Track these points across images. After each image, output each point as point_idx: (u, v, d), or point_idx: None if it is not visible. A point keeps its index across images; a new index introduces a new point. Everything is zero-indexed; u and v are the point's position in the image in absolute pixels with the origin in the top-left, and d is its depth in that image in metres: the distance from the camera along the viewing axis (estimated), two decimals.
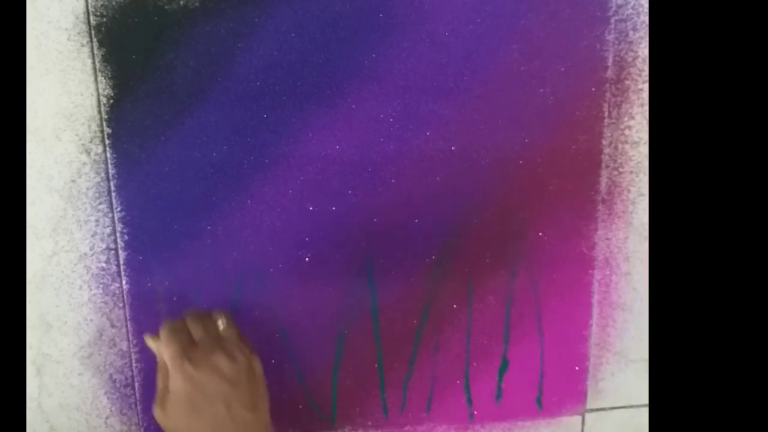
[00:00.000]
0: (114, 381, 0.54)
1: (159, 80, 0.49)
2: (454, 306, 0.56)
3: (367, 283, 0.54)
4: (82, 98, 0.49)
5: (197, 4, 0.48)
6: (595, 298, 0.57)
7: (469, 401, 0.58)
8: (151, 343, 0.49)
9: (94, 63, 0.49)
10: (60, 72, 0.48)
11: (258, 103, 0.50)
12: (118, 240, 0.52)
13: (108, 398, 0.55)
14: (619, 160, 0.54)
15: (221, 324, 0.49)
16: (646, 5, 0.51)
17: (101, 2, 0.47)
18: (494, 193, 0.54)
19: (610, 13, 0.51)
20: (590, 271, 0.56)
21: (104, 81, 0.49)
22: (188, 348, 0.46)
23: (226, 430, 0.45)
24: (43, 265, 0.52)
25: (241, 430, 0.45)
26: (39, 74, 0.48)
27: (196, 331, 0.48)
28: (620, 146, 0.54)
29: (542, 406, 0.59)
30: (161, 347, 0.47)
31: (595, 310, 0.57)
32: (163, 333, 0.48)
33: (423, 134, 0.52)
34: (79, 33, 0.48)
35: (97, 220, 0.51)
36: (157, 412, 0.46)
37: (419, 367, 0.56)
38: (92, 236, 0.51)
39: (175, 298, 0.53)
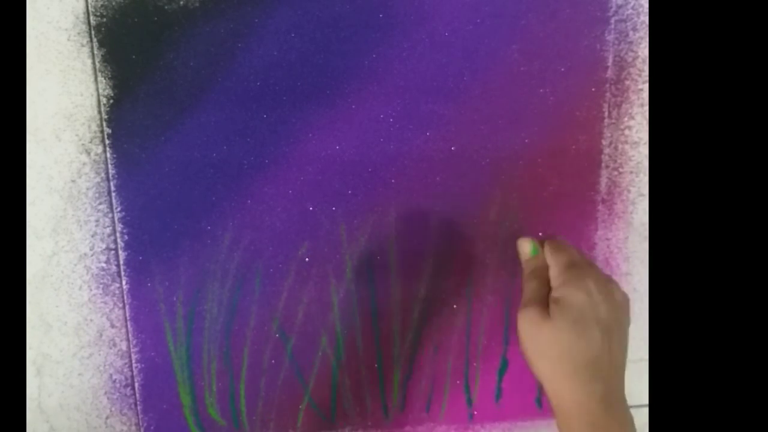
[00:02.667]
0: (114, 381, 0.55)
1: (159, 80, 0.49)
2: (454, 306, 0.56)
3: (367, 283, 0.54)
4: (82, 98, 0.49)
5: (197, 5, 0.48)
6: None
7: (469, 401, 0.58)
8: (527, 245, 0.47)
9: (94, 63, 0.49)
10: (60, 72, 0.48)
11: (258, 103, 0.50)
12: (118, 240, 0.52)
13: (108, 398, 0.55)
14: (618, 161, 0.54)
15: None
16: (646, 5, 0.51)
17: (101, 2, 0.47)
18: (494, 193, 0.54)
19: (610, 14, 0.51)
20: None
21: (104, 81, 0.49)
22: (585, 265, 0.44)
23: (602, 366, 0.41)
24: (43, 266, 0.52)
25: (614, 375, 0.42)
26: (39, 74, 0.48)
27: (584, 256, 0.46)
28: (620, 146, 0.54)
29: (542, 406, 0.59)
30: (554, 252, 0.45)
31: None
32: (551, 244, 0.46)
33: (423, 134, 0.52)
34: (79, 33, 0.48)
35: (97, 221, 0.51)
36: (534, 315, 0.42)
37: (419, 367, 0.57)
38: (92, 236, 0.51)
39: (174, 298, 0.53)
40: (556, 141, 0.53)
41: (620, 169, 0.55)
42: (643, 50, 0.52)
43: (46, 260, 0.52)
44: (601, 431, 0.40)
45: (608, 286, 0.43)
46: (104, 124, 0.50)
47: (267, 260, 0.53)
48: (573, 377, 0.41)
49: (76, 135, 0.50)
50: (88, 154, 0.50)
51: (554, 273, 0.44)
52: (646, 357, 0.59)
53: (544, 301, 0.43)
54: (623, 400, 0.42)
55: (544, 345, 0.42)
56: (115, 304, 0.53)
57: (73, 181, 0.50)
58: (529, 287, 0.45)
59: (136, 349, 0.54)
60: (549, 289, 0.44)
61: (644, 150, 0.54)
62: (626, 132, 0.54)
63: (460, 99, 0.52)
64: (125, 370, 0.54)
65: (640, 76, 0.53)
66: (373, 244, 0.54)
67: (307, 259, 0.53)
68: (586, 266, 0.44)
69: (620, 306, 0.43)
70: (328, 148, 0.52)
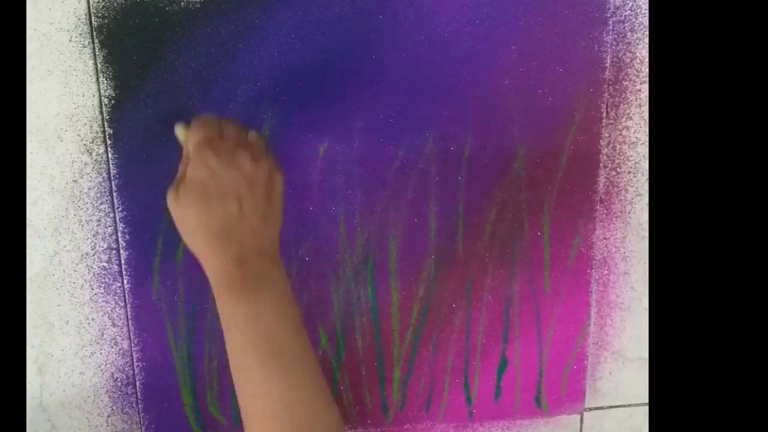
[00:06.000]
0: (115, 380, 0.55)
1: (160, 81, 0.49)
2: (453, 305, 0.56)
3: (367, 283, 0.55)
4: (84, 99, 0.49)
5: (198, 6, 0.48)
6: (594, 298, 0.57)
7: (468, 400, 0.58)
8: (180, 132, 0.48)
9: (95, 64, 0.49)
10: (62, 73, 0.49)
11: (258, 104, 0.50)
12: (120, 239, 0.52)
13: (109, 397, 0.55)
14: (617, 161, 0.55)
15: (252, 135, 0.48)
16: (644, 7, 0.52)
17: (103, 3, 0.48)
18: (493, 193, 0.54)
19: (608, 15, 0.52)
20: (588, 271, 0.57)
21: (106, 82, 0.49)
22: (214, 139, 0.45)
23: (233, 230, 0.43)
24: (45, 265, 0.52)
25: (249, 236, 0.44)
26: (41, 75, 0.48)
27: (227, 128, 0.47)
28: (618, 146, 0.54)
29: (541, 404, 0.59)
30: (189, 134, 0.46)
31: (594, 310, 0.58)
32: (194, 121, 0.47)
33: (422, 134, 0.52)
34: (80, 34, 0.48)
35: (98, 220, 0.51)
36: (170, 198, 0.45)
37: (418, 366, 0.57)
38: (94, 236, 0.52)
39: (176, 297, 0.53)
40: (555, 141, 0.53)
41: (618, 169, 0.55)
42: (641, 51, 0.53)
43: (48, 259, 0.52)
44: (237, 285, 0.43)
45: (234, 156, 0.44)
46: (106, 124, 0.50)
47: None
48: (209, 244, 0.44)
49: (78, 135, 0.50)
50: (90, 154, 0.50)
51: (187, 153, 0.46)
52: (644, 356, 0.59)
53: (180, 182, 0.45)
54: (265, 255, 0.44)
55: (181, 222, 0.45)
56: (116, 303, 0.53)
57: (74, 181, 0.51)
58: (178, 171, 0.47)
59: (137, 348, 0.54)
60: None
61: (642, 150, 0.55)
62: (624, 132, 0.54)
63: (459, 99, 0.52)
64: (126, 368, 0.55)
65: (638, 76, 0.53)
66: (373, 244, 0.54)
67: (307, 258, 0.54)
68: (212, 141, 0.45)
69: (249, 173, 0.44)
70: (328, 148, 0.52)
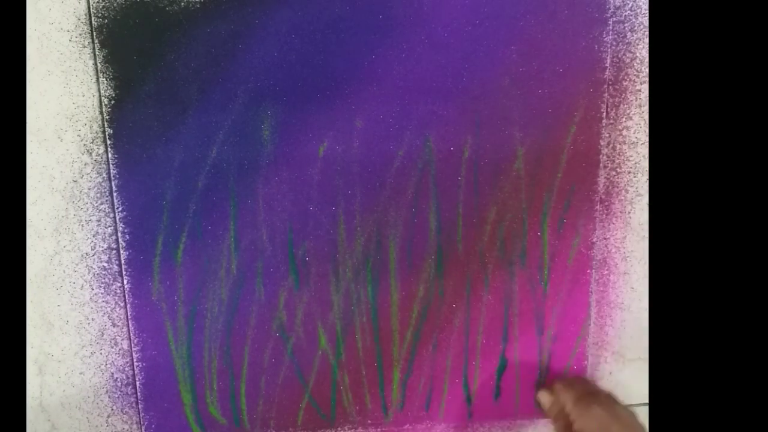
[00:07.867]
0: (115, 380, 0.55)
1: (160, 81, 0.49)
2: (453, 305, 0.56)
3: (367, 283, 0.55)
4: (84, 99, 0.49)
5: (198, 6, 0.48)
6: (593, 298, 0.57)
7: (468, 400, 0.58)
8: (545, 397, 0.57)
9: (95, 64, 0.49)
10: (62, 73, 0.49)
11: (258, 104, 0.50)
12: (120, 240, 0.52)
13: (109, 397, 0.55)
14: (617, 161, 0.55)
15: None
16: (644, 7, 0.52)
17: (103, 4, 0.48)
18: (493, 193, 0.54)
19: (608, 15, 0.52)
20: (588, 271, 0.57)
21: (106, 82, 0.49)
22: (590, 393, 0.53)
23: None
24: (44, 265, 0.52)
25: None
26: (41, 75, 0.49)
27: (589, 385, 0.56)
28: (618, 146, 0.54)
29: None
30: (560, 394, 0.54)
31: (593, 310, 0.58)
32: (559, 383, 0.56)
33: (422, 134, 0.52)
34: (80, 34, 0.48)
35: (98, 220, 0.51)
36: None
37: (419, 366, 0.57)
38: (94, 236, 0.52)
39: (175, 297, 0.53)
40: (555, 141, 0.53)
41: (618, 169, 0.55)
42: (641, 51, 0.53)
43: (48, 260, 0.52)
44: None
45: (614, 408, 0.51)
46: (106, 124, 0.50)
47: (267, 260, 0.53)
48: None
49: (78, 135, 0.50)
50: (90, 154, 0.50)
51: (568, 408, 0.53)
52: (644, 356, 0.59)
53: None
54: None
55: None
56: (116, 303, 0.53)
57: (74, 181, 0.51)
58: (556, 428, 0.55)
59: (137, 348, 0.54)
60: (569, 422, 0.53)
61: (642, 150, 0.55)
62: (624, 132, 0.54)
63: (458, 100, 0.52)
64: (126, 368, 0.55)
65: (638, 76, 0.53)
66: (373, 244, 0.54)
67: (307, 258, 0.54)
68: (590, 396, 0.53)
69: (629, 423, 0.51)
70: (328, 148, 0.52)
